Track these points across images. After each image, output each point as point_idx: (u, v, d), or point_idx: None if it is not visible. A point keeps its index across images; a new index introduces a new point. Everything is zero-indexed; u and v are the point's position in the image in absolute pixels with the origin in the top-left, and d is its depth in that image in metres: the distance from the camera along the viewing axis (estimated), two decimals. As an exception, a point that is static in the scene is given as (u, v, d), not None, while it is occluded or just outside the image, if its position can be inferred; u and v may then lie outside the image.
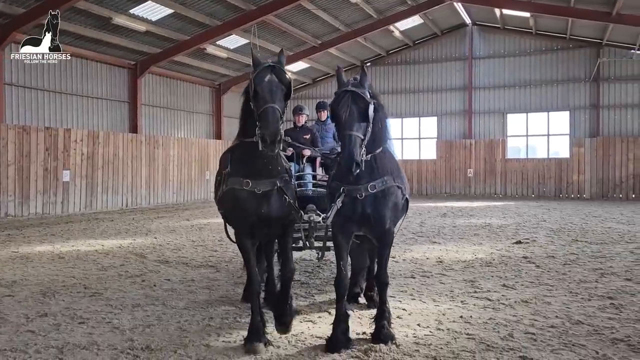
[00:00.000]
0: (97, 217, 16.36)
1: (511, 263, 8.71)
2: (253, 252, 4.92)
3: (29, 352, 4.60)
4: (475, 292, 6.77)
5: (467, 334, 5.07)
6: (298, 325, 5.38)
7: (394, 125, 29.20)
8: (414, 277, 7.67)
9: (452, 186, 27.56)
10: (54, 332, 5.14)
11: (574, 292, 6.69)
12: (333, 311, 5.85)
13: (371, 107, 4.51)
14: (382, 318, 4.92)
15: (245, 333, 5.01)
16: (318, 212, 4.97)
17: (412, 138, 29.13)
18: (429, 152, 28.56)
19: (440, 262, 8.88)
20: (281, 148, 4.49)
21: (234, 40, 21.49)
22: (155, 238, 11.89)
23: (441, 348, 4.70)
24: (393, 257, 9.26)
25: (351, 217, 4.70)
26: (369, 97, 4.57)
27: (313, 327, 5.37)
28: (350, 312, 5.85)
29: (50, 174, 16.52)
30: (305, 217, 4.79)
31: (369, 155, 4.62)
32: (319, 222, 4.84)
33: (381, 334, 4.82)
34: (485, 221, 15.09)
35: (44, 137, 16.26)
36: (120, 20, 16.51)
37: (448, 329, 5.22)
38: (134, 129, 20.37)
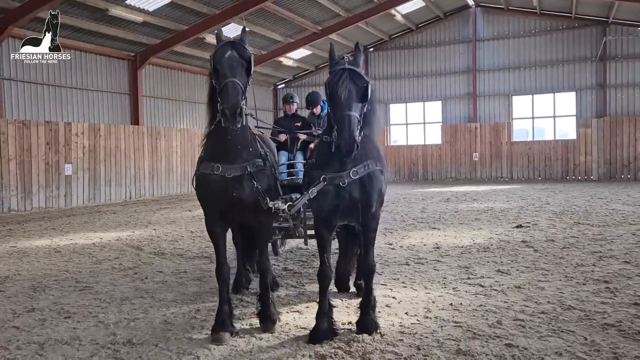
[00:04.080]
0: (100, 210, 16.40)
1: (509, 248, 8.58)
2: (223, 238, 4.87)
3: (9, 348, 4.58)
4: (469, 278, 6.67)
5: (455, 322, 4.97)
6: (284, 315, 5.32)
7: (398, 110, 29.05)
8: (408, 264, 7.58)
9: (457, 170, 27.34)
10: (38, 328, 5.12)
11: (570, 277, 6.57)
12: (321, 301, 5.83)
13: (369, 87, 4.37)
14: (367, 306, 4.83)
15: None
16: (286, 199, 4.84)
17: (417, 123, 28.88)
18: (434, 136, 28.32)
19: (437, 248, 8.77)
20: (244, 122, 4.39)
21: (233, 29, 21.28)
22: (155, 230, 11.88)
23: (426, 337, 4.61)
24: (390, 244, 9.20)
25: (337, 206, 4.58)
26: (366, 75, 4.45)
27: (299, 317, 5.30)
28: (338, 301, 5.80)
29: (52, 168, 16.55)
30: (270, 204, 4.67)
31: (360, 137, 4.46)
32: (284, 210, 4.71)
33: (366, 323, 4.73)
34: (487, 205, 14.93)
35: (44, 131, 16.27)
36: (116, 11, 16.38)
37: (436, 317, 5.13)
38: (135, 120, 20.33)
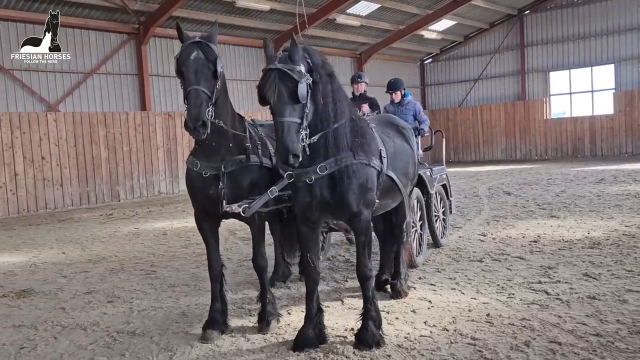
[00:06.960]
0: (236, 193, 17.49)
1: (627, 244, 7.03)
2: (212, 235, 4.74)
3: (39, 328, 5.02)
4: (539, 282, 5.58)
5: (472, 339, 4.18)
6: (295, 315, 5.04)
7: (560, 78, 25.79)
8: (481, 261, 6.64)
9: (634, 145, 23.49)
10: (78, 310, 5.56)
11: (677, 288, 5.12)
12: (347, 300, 5.42)
13: (302, 86, 3.75)
14: (367, 317, 4.27)
15: (239, 321, 4.92)
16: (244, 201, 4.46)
17: (583, 91, 25.38)
18: (605, 106, 24.64)
19: (535, 242, 7.55)
20: (208, 132, 4.09)
21: (365, 6, 20.87)
22: (264, 213, 12.23)
23: (421, 355, 3.94)
24: (483, 235, 8.26)
25: (309, 203, 4.15)
26: (300, 73, 3.78)
27: (308, 318, 4.94)
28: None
29: (195, 154, 18.08)
30: (226, 207, 4.37)
31: (317, 136, 3.98)
32: (238, 213, 4.35)
33: (362, 336, 4.18)
34: (646, 188, 12.51)
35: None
36: (242, 2, 17.11)
37: (455, 331, 4.37)
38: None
